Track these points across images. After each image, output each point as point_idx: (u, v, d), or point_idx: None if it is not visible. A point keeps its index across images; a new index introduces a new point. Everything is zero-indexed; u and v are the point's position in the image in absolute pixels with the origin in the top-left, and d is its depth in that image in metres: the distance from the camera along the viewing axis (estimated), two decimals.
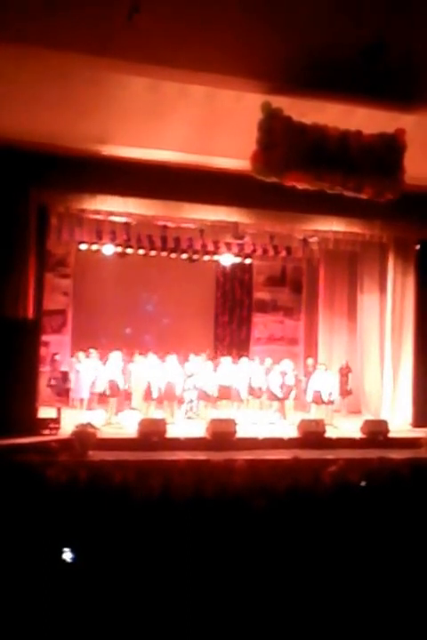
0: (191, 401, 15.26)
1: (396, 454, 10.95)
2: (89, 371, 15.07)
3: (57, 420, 12.91)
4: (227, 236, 15.96)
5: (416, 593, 4.61)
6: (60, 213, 14.12)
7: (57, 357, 15.75)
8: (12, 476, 5.48)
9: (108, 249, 15.62)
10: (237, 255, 17.28)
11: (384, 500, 5.59)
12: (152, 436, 12.94)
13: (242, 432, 13.65)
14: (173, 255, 16.54)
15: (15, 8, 8.48)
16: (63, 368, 15.67)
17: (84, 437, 11.91)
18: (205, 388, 15.00)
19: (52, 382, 15.16)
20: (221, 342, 18.66)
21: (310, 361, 16.75)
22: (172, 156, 12.40)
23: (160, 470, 7.09)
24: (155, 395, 14.54)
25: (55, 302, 16.69)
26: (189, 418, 15.18)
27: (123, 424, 14.27)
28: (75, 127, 11.25)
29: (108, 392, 14.61)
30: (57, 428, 12.80)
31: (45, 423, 12.78)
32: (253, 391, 15.47)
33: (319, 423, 14.23)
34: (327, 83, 9.47)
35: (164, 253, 16.37)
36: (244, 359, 16.30)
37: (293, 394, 15.54)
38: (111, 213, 14.18)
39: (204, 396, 15.07)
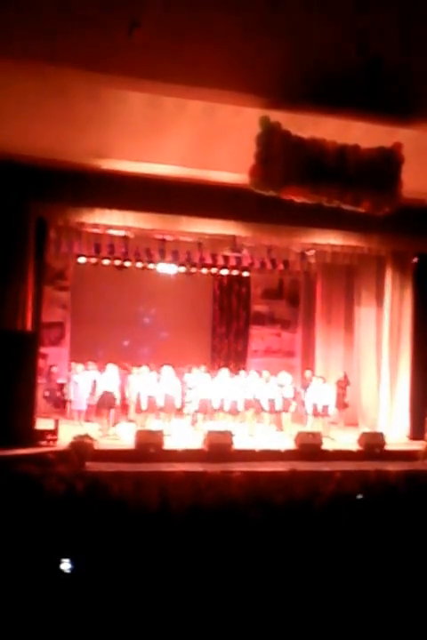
0: (192, 413, 15.23)
1: (393, 467, 10.97)
2: (87, 383, 15.08)
3: (55, 432, 12.90)
4: (225, 250, 16.04)
5: (413, 605, 4.63)
6: (58, 227, 14.20)
7: (54, 369, 15.76)
8: (10, 486, 5.50)
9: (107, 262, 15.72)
10: (234, 268, 17.34)
11: (381, 512, 5.61)
12: (149, 447, 12.92)
13: (239, 444, 13.64)
14: (172, 268, 16.62)
15: (16, 25, 8.55)
16: (60, 380, 15.69)
17: (81, 449, 11.91)
18: (208, 399, 15.01)
19: (47, 394, 15.19)
20: (218, 355, 18.68)
21: (307, 373, 16.70)
22: (170, 170, 12.45)
23: (157, 482, 7.08)
24: (144, 407, 14.46)
25: (53, 315, 16.74)
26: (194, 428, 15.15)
27: (120, 435, 14.29)
28: (74, 141, 11.30)
29: (101, 403, 14.59)
30: (55, 440, 12.79)
31: (43, 434, 12.77)
32: (249, 403, 15.47)
33: (316, 435, 14.21)
34: (325, 97, 9.51)
35: (161, 266, 16.46)
36: (241, 372, 16.31)
37: (290, 406, 15.54)
38: (110, 227, 14.25)
39: (205, 409, 15.07)
